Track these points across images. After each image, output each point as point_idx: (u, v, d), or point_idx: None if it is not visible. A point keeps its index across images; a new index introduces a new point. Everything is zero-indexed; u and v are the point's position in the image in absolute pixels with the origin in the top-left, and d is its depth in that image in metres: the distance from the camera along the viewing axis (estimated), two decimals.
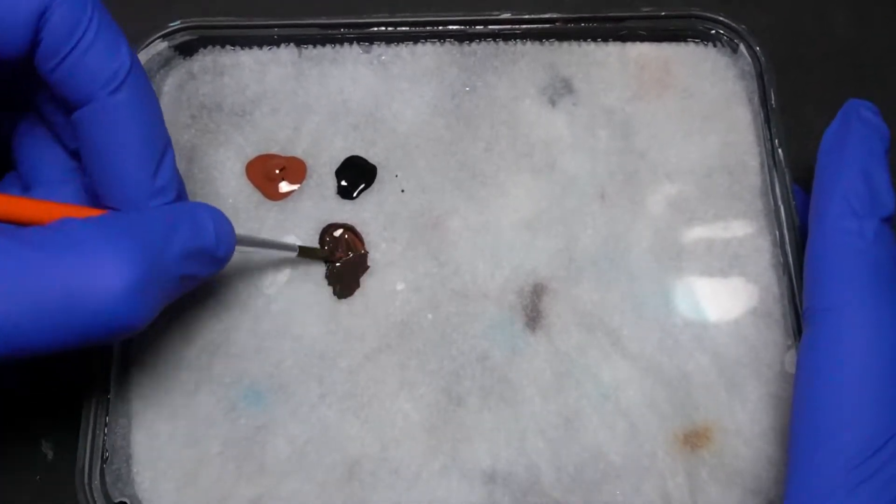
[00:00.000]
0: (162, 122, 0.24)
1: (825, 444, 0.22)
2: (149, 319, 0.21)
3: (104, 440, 0.27)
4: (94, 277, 0.20)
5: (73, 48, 0.22)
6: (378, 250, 0.30)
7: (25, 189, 0.26)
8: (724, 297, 0.29)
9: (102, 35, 0.23)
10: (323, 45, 0.33)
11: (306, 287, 0.30)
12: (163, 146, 0.24)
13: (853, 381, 0.22)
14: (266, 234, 0.30)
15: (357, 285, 0.30)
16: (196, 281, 0.24)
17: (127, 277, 0.20)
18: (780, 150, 0.30)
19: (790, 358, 0.28)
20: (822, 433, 0.22)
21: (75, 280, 0.20)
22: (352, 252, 0.30)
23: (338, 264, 0.30)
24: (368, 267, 0.30)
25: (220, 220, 0.24)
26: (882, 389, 0.22)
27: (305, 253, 0.29)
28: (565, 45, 0.33)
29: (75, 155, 0.26)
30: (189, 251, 0.23)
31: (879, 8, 0.35)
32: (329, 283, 0.30)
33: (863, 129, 0.25)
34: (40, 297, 0.19)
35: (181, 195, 0.25)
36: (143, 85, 0.24)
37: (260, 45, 0.33)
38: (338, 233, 0.30)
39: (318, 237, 0.30)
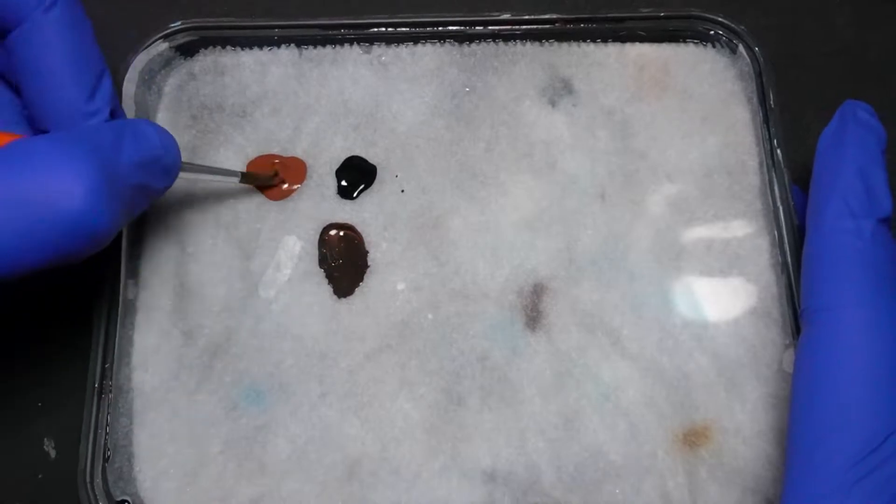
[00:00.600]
0: (95, 44, 0.25)
1: (823, 443, 0.22)
2: (115, 227, 0.22)
3: (106, 439, 0.28)
4: (55, 185, 0.21)
5: None
6: (378, 250, 0.30)
7: None
8: (723, 296, 0.29)
9: None
10: (323, 45, 0.33)
11: (306, 287, 0.30)
12: (99, 70, 0.24)
13: (850, 381, 0.22)
14: (266, 234, 0.30)
15: (358, 282, 0.30)
16: (151, 193, 0.25)
17: (86, 182, 0.21)
18: (778, 151, 0.30)
19: (788, 357, 0.28)
20: (820, 432, 0.22)
21: (37, 191, 0.20)
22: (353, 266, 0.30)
23: (282, 186, 0.30)
24: (368, 266, 0.30)
25: (163, 132, 0.25)
26: (879, 389, 0.22)
27: (248, 179, 0.30)
28: (565, 45, 0.33)
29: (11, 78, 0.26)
30: (139, 159, 0.23)
31: (879, 8, 0.35)
32: (328, 281, 0.30)
33: (860, 130, 0.26)
34: (5, 215, 0.20)
35: (118, 117, 0.26)
36: (74, 6, 0.24)
37: (260, 46, 0.33)
38: (333, 232, 0.30)
39: (317, 237, 0.30)
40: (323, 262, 0.30)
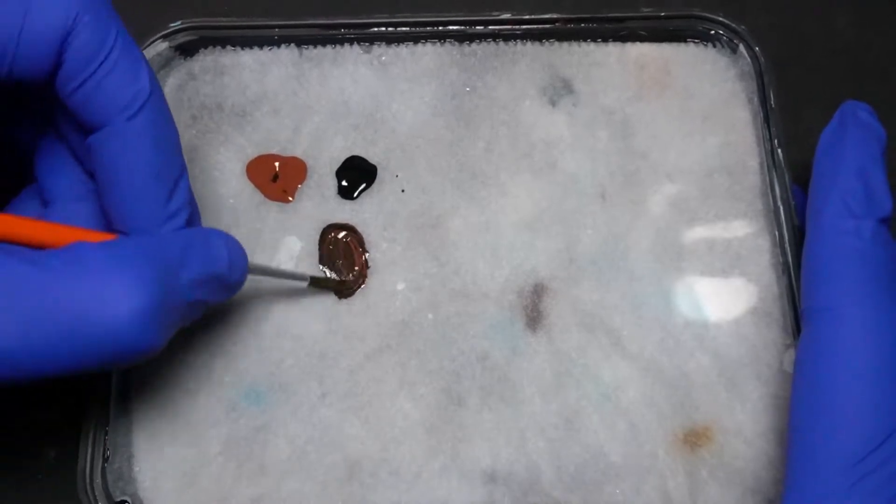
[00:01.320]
0: (178, 147, 0.24)
1: (823, 443, 0.22)
2: (159, 345, 0.21)
3: (105, 439, 0.28)
4: (103, 302, 0.20)
5: (93, 73, 0.22)
6: (378, 250, 0.30)
7: (44, 204, 0.26)
8: (724, 296, 0.29)
9: (124, 60, 0.22)
10: (323, 45, 0.33)
11: (307, 287, 0.30)
12: (177, 173, 0.24)
13: (851, 381, 0.22)
14: (267, 234, 0.30)
15: (359, 284, 0.30)
16: (206, 306, 0.24)
17: (137, 302, 0.20)
18: (779, 151, 0.30)
19: (789, 357, 0.28)
20: (821, 432, 0.22)
21: (84, 304, 0.20)
22: (351, 269, 0.30)
23: (346, 290, 0.30)
24: (368, 266, 0.30)
25: (234, 247, 0.24)
26: (879, 388, 0.22)
27: (317, 283, 0.29)
28: (565, 45, 0.33)
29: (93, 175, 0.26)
30: (201, 277, 0.23)
31: (879, 8, 0.35)
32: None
33: (859, 131, 0.26)
34: (48, 321, 0.19)
35: (194, 221, 0.25)
36: (160, 111, 0.23)
37: (260, 46, 0.33)
38: (341, 234, 0.30)
39: (318, 238, 0.30)
40: (322, 262, 0.30)
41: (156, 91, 0.23)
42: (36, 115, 0.25)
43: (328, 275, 0.30)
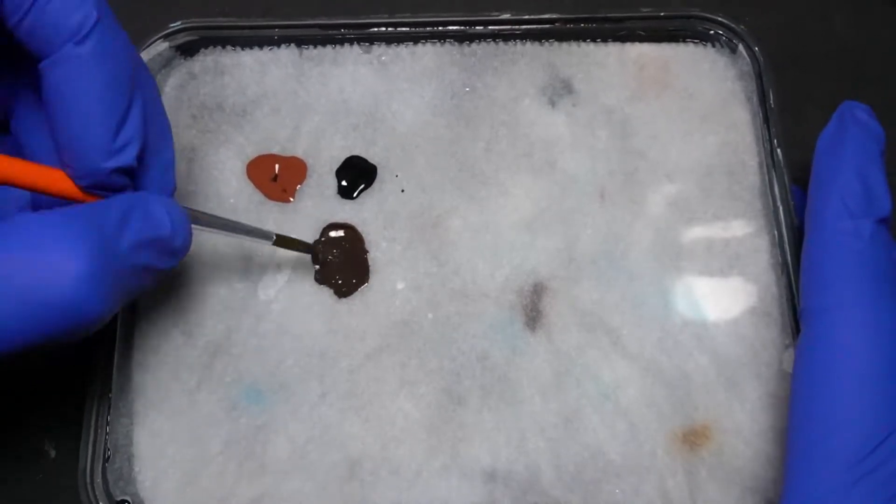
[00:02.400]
0: (131, 74, 0.24)
1: (822, 442, 0.22)
2: (108, 311, 0.21)
3: (106, 439, 0.28)
4: (46, 271, 0.20)
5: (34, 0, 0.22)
6: (378, 250, 0.30)
7: (17, 151, 0.26)
8: (723, 296, 0.29)
9: None
10: (323, 45, 0.33)
11: (307, 287, 0.30)
12: (127, 103, 0.23)
13: (850, 380, 0.22)
14: None
15: (359, 284, 0.30)
16: (154, 273, 0.24)
17: (78, 268, 0.20)
18: (778, 151, 0.30)
19: (788, 357, 0.28)
20: (820, 432, 0.22)
21: (29, 274, 0.20)
22: (342, 247, 0.30)
23: (319, 263, 0.30)
24: (368, 266, 0.30)
25: (175, 211, 0.24)
26: (878, 388, 0.22)
27: (283, 242, 0.29)
28: (565, 45, 0.33)
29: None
30: (142, 240, 0.23)
31: (879, 8, 0.35)
32: (322, 282, 0.30)
33: (858, 131, 0.26)
34: None
35: (150, 157, 0.25)
36: (112, 38, 0.23)
37: (260, 46, 0.33)
38: (334, 233, 0.30)
39: (318, 237, 0.30)
40: (316, 261, 0.30)
41: (105, 17, 0.23)
42: (8, 65, 0.25)
43: (324, 268, 0.30)
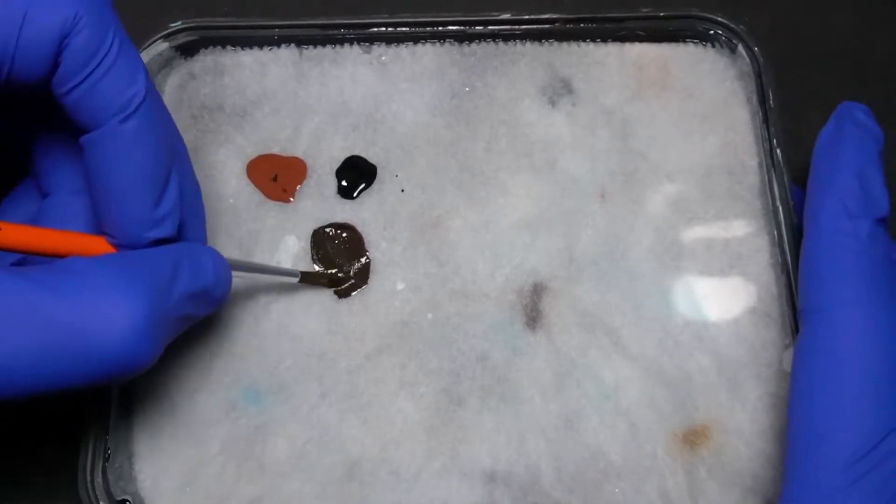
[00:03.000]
0: (170, 150, 0.24)
1: (821, 443, 0.22)
2: (152, 360, 0.21)
3: (106, 438, 0.28)
4: (101, 319, 0.20)
5: (89, 74, 0.22)
6: (378, 250, 0.30)
7: (42, 196, 0.26)
8: (723, 296, 0.29)
9: (120, 62, 0.22)
10: (323, 45, 0.33)
11: (306, 286, 0.30)
12: (167, 175, 0.24)
13: (848, 381, 0.22)
14: (267, 234, 0.30)
15: (359, 284, 0.30)
16: (193, 320, 0.24)
17: (131, 318, 0.20)
18: (778, 150, 0.30)
19: (788, 357, 0.28)
20: (818, 432, 0.22)
21: (82, 321, 0.20)
22: (351, 263, 0.30)
23: (342, 287, 0.30)
24: (368, 267, 0.30)
25: (219, 261, 0.25)
26: (877, 388, 0.22)
27: (307, 279, 0.29)
28: (565, 45, 0.33)
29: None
30: (190, 291, 0.23)
31: (879, 7, 0.35)
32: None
33: (856, 131, 0.26)
34: (47, 338, 0.19)
35: (188, 226, 0.25)
36: (155, 114, 0.23)
37: (260, 46, 0.33)
38: (333, 232, 0.30)
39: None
40: (315, 261, 0.30)
41: (151, 94, 0.23)
42: (36, 109, 0.25)
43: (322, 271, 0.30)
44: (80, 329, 0.20)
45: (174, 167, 0.24)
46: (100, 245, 0.23)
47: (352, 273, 0.30)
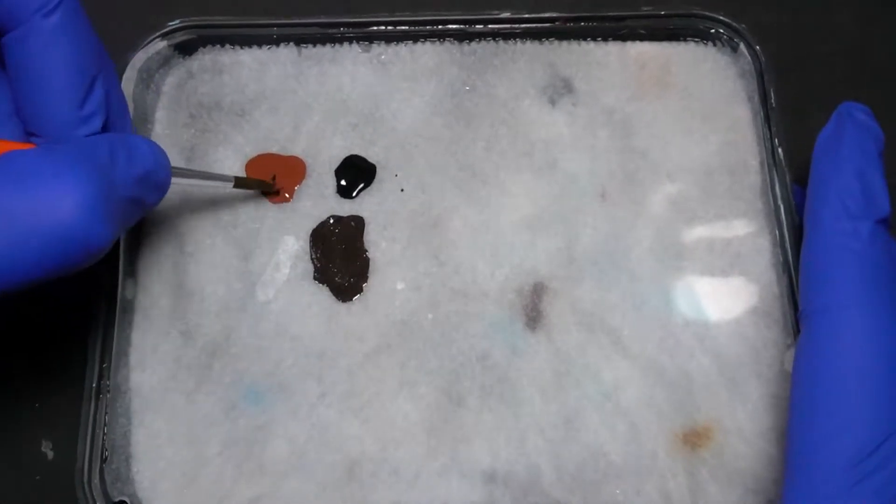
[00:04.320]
0: (95, 49, 0.25)
1: (823, 444, 0.22)
2: (108, 240, 0.22)
3: (104, 439, 0.27)
4: (48, 199, 0.20)
5: None
6: (378, 249, 0.30)
7: None
8: (724, 296, 0.29)
9: None
10: (322, 44, 0.33)
11: (305, 287, 0.30)
12: (92, 73, 0.24)
13: (849, 382, 0.22)
14: (266, 234, 0.30)
15: (359, 285, 0.30)
16: (143, 207, 0.25)
17: (81, 198, 0.21)
18: (779, 150, 0.30)
19: (789, 357, 0.28)
20: (820, 434, 0.22)
21: (31, 206, 0.20)
22: (351, 266, 0.30)
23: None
24: (368, 267, 0.30)
25: (156, 147, 0.25)
26: (878, 389, 0.22)
27: (242, 183, 0.29)
28: (565, 44, 0.33)
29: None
30: (133, 173, 0.23)
31: (881, 7, 0.35)
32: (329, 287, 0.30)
33: (857, 132, 0.26)
34: (1, 229, 0.20)
35: (116, 126, 0.26)
36: (76, 11, 0.24)
37: (259, 45, 0.33)
38: (332, 230, 0.30)
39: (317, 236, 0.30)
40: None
41: None
42: None
43: (323, 268, 0.30)
44: (32, 216, 0.20)
45: (100, 72, 0.24)
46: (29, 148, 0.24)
47: (350, 279, 0.30)
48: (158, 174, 0.25)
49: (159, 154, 0.25)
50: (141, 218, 0.26)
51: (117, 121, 0.26)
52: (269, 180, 0.30)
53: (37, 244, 0.20)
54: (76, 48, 0.24)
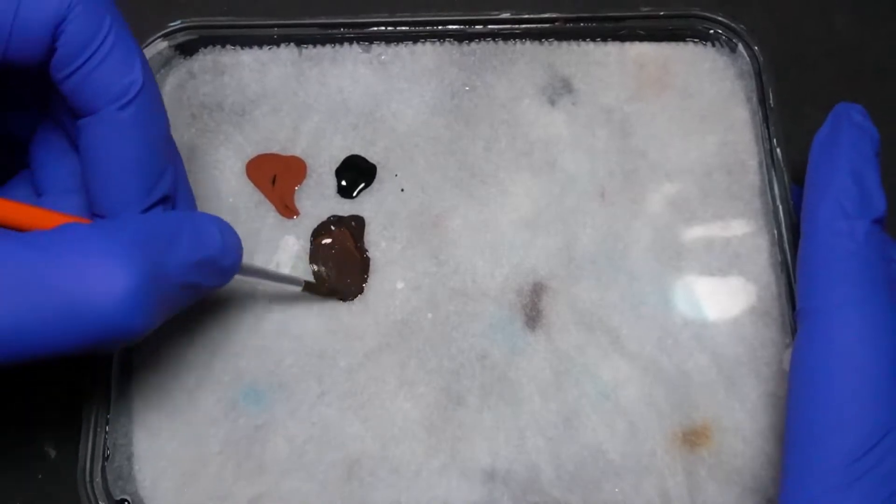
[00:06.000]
0: (166, 140, 0.24)
1: (820, 442, 0.22)
2: (149, 327, 0.21)
3: (105, 438, 0.28)
4: (95, 281, 0.20)
5: (86, 60, 0.22)
6: (378, 249, 0.30)
7: (37, 193, 0.26)
8: (723, 295, 0.29)
9: (118, 49, 0.23)
10: (323, 44, 0.33)
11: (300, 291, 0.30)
12: (162, 166, 0.24)
13: (846, 381, 0.22)
14: (266, 234, 0.30)
15: (362, 284, 0.30)
16: (200, 291, 0.24)
17: (128, 282, 0.20)
18: (778, 150, 0.30)
19: (787, 356, 0.28)
20: (817, 432, 0.22)
21: (76, 284, 0.20)
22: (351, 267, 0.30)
23: (343, 292, 0.30)
24: (368, 267, 0.30)
25: (227, 231, 0.24)
26: (875, 388, 0.22)
27: (311, 288, 0.29)
28: (564, 44, 0.33)
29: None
30: (192, 259, 0.23)
31: (878, 8, 0.35)
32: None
33: (853, 132, 0.26)
34: (40, 301, 0.19)
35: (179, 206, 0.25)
36: (152, 103, 0.24)
37: (260, 45, 0.33)
38: (326, 240, 0.30)
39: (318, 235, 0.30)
40: (313, 261, 0.30)
41: (149, 83, 0.23)
42: (33, 103, 0.25)
43: (322, 272, 0.30)
44: (72, 293, 0.20)
45: (170, 163, 0.24)
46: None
47: (351, 279, 0.30)
48: (224, 261, 0.24)
49: (229, 237, 0.24)
50: (194, 302, 0.24)
51: (184, 206, 0.26)
52: (336, 287, 0.30)
53: (73, 321, 0.20)
54: (149, 141, 0.23)
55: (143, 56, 0.24)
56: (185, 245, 0.22)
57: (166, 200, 0.24)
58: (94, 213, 0.24)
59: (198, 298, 0.24)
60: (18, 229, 0.22)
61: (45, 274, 0.19)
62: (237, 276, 0.25)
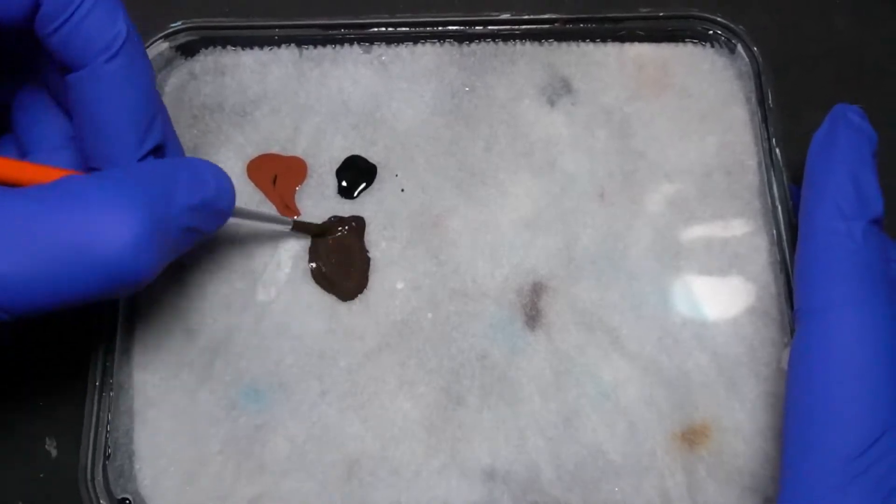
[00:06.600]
0: (153, 89, 0.25)
1: (818, 442, 0.22)
2: (155, 271, 0.22)
3: (107, 437, 0.28)
4: (101, 229, 0.20)
5: (71, 15, 0.22)
6: (378, 249, 0.30)
7: (22, 154, 0.26)
8: (722, 295, 0.29)
9: (101, 3, 0.23)
10: (323, 45, 0.33)
11: (307, 286, 0.30)
12: (152, 114, 0.24)
13: (843, 380, 0.23)
14: (267, 233, 0.30)
15: (364, 283, 0.30)
16: (199, 235, 0.24)
17: (133, 228, 0.20)
18: (777, 150, 0.30)
19: (786, 356, 0.28)
20: (815, 431, 0.22)
21: (80, 232, 0.20)
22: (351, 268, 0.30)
23: (329, 240, 0.30)
24: (368, 268, 0.30)
25: (219, 173, 0.25)
26: (872, 387, 0.22)
27: (300, 227, 0.29)
28: (564, 45, 0.33)
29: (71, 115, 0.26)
30: (191, 202, 0.23)
31: (877, 8, 0.36)
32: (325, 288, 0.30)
33: (850, 133, 0.26)
34: (49, 252, 0.20)
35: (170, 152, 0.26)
36: (137, 53, 0.24)
37: (261, 46, 0.33)
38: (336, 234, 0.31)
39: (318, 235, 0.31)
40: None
41: (132, 33, 0.24)
42: (13, 63, 0.26)
43: (323, 270, 0.30)
44: (80, 242, 0.20)
45: (158, 113, 0.25)
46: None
47: (351, 279, 0.30)
48: (219, 202, 0.24)
49: (222, 180, 0.25)
50: (192, 247, 0.25)
51: (174, 154, 0.26)
52: (325, 225, 0.30)
53: (82, 269, 0.20)
54: (136, 90, 0.24)
55: (124, 8, 0.24)
56: (183, 189, 0.23)
57: (158, 150, 0.25)
58: (89, 167, 0.24)
59: (197, 242, 0.24)
60: (18, 185, 0.22)
61: (51, 225, 0.20)
62: (231, 220, 0.26)
